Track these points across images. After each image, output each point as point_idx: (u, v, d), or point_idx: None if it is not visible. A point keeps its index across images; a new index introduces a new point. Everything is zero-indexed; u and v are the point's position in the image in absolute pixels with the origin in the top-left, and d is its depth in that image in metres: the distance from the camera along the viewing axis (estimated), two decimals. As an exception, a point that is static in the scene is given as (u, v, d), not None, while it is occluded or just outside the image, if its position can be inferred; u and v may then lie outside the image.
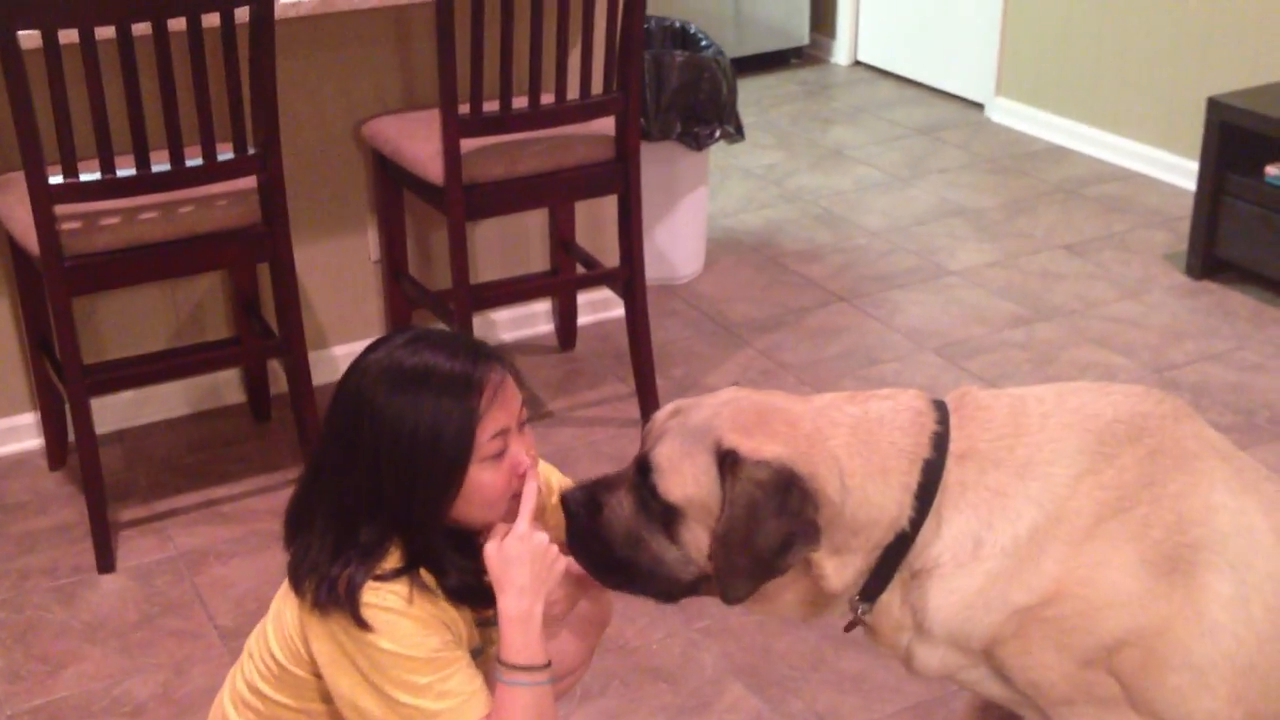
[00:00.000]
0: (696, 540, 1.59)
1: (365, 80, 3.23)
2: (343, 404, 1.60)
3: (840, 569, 1.60)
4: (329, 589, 1.55)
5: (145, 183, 2.59)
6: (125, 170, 2.57)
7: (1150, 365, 3.48)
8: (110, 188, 2.57)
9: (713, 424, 1.59)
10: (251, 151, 2.67)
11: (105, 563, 2.77)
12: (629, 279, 3.18)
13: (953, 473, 1.60)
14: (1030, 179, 4.69)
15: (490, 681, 1.61)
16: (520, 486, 1.62)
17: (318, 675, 1.62)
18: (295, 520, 1.64)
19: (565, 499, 1.67)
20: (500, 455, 1.59)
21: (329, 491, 1.59)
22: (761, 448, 1.56)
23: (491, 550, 1.60)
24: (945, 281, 3.97)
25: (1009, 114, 5.18)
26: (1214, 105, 3.79)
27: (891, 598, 1.63)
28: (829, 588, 1.61)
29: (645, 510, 1.61)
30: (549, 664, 1.60)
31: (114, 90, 2.51)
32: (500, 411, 1.58)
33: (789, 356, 3.57)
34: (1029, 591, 1.57)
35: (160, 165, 2.59)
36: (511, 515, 1.63)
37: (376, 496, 1.57)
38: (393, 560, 1.58)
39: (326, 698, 1.63)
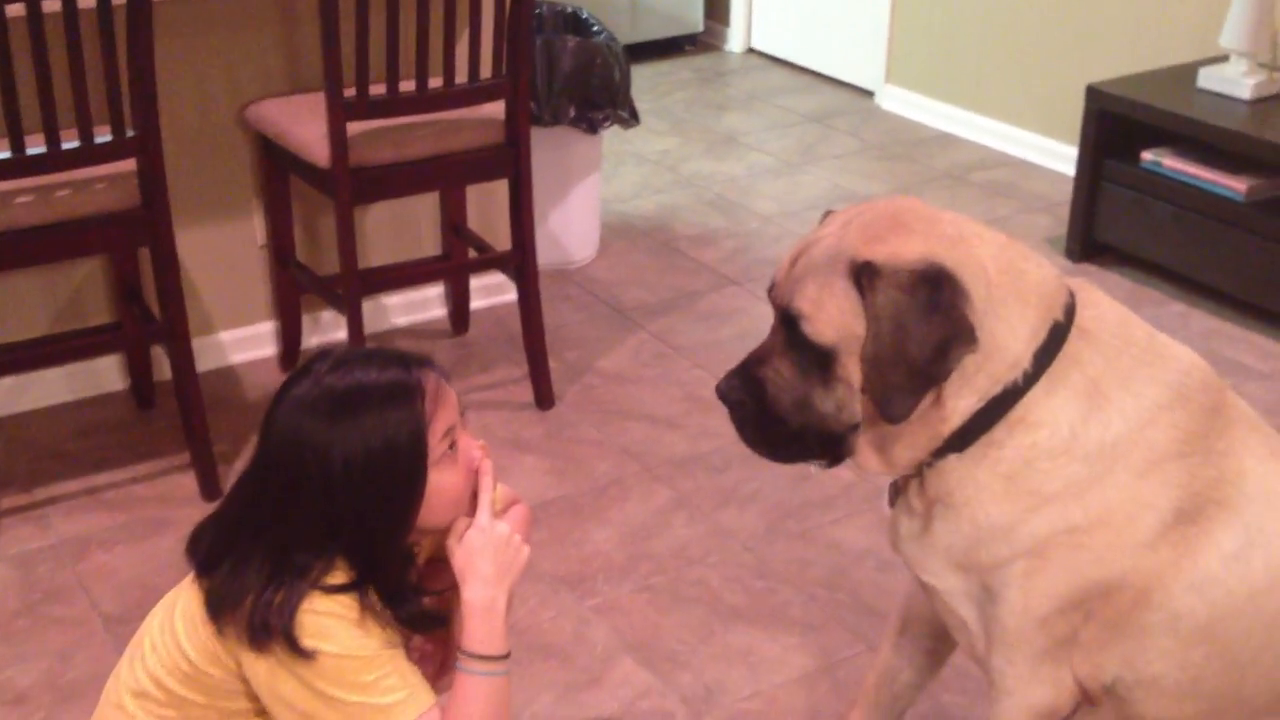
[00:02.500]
0: (850, 375, 1.51)
1: (249, 62, 3.19)
2: (278, 444, 1.56)
3: (957, 400, 1.52)
4: (264, 621, 1.51)
5: (20, 166, 2.54)
6: (-1, 152, 2.52)
7: (1031, 345, 3.57)
8: (-16, 169, 2.52)
9: (841, 247, 1.52)
10: (130, 134, 2.63)
11: (-16, 553, 2.72)
12: (520, 263, 3.19)
13: (1074, 345, 1.54)
14: (918, 165, 4.78)
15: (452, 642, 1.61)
16: (476, 481, 1.62)
17: (238, 678, 1.59)
18: (215, 552, 1.59)
19: (723, 393, 1.60)
20: (452, 452, 1.58)
21: (268, 531, 1.55)
22: (900, 251, 1.48)
23: (452, 544, 1.60)
24: (835, 265, 4.03)
25: (898, 101, 5.26)
26: (1093, 93, 3.89)
27: (961, 464, 1.56)
28: (948, 427, 1.53)
29: (803, 365, 1.53)
30: (509, 654, 1.60)
31: (-14, 69, 2.46)
32: (444, 410, 1.57)
33: (682, 339, 3.60)
34: (1085, 512, 1.55)
35: (36, 148, 2.54)
36: (471, 508, 1.63)
37: (328, 527, 1.54)
38: (338, 577, 1.55)
39: (239, 696, 1.61)
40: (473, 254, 3.46)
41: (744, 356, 1.63)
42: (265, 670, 1.55)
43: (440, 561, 1.79)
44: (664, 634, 2.54)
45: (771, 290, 1.62)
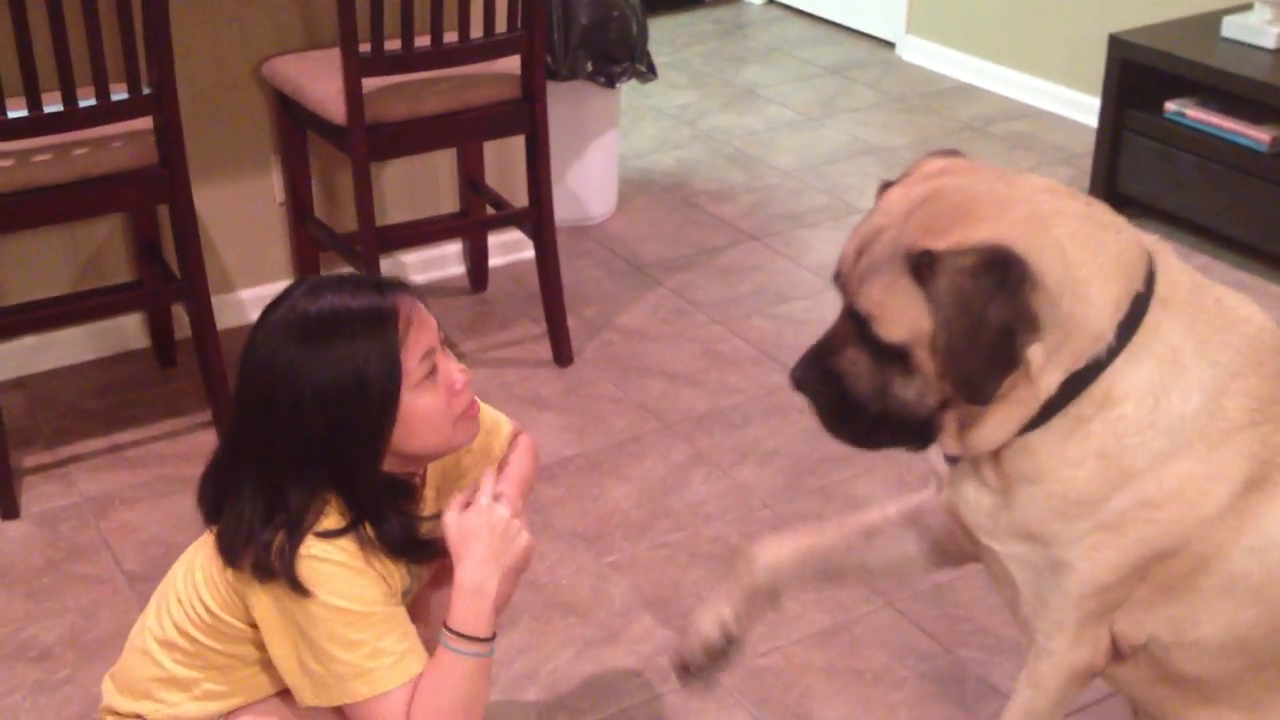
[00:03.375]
0: (928, 366, 1.51)
1: (265, 18, 3.17)
2: (253, 369, 1.57)
3: (1044, 374, 1.50)
4: (264, 559, 1.53)
5: (38, 124, 2.54)
6: (17, 111, 2.52)
7: (1052, 299, 3.55)
8: (1, 129, 2.51)
9: (901, 240, 1.50)
10: (147, 91, 2.62)
11: (9, 509, 2.74)
12: (537, 220, 3.18)
13: (1154, 315, 1.52)
14: (939, 117, 4.74)
15: (438, 616, 1.62)
16: (460, 405, 1.62)
17: (252, 626, 1.62)
18: (217, 493, 1.62)
19: (800, 383, 1.59)
20: (432, 376, 1.59)
21: (252, 460, 1.57)
22: (965, 239, 1.46)
23: (451, 520, 1.60)
24: (855, 220, 3.95)
25: (919, 52, 5.21)
26: (1115, 42, 3.84)
27: (1045, 438, 1.54)
28: (1037, 401, 1.51)
29: (878, 359, 1.52)
30: (494, 636, 1.61)
31: (3, 30, 2.45)
32: (421, 334, 1.58)
33: (700, 295, 3.59)
34: (1161, 486, 1.53)
35: (53, 106, 2.54)
36: (457, 440, 1.63)
37: (305, 455, 1.55)
38: (332, 520, 1.57)
39: (259, 645, 1.64)
40: (490, 211, 3.46)
41: (812, 345, 1.61)
42: (265, 610, 1.57)
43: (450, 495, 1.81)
44: (682, 590, 2.55)
45: (837, 279, 1.60)
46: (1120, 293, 1.50)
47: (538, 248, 3.22)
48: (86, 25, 2.50)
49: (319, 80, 2.97)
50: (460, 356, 3.35)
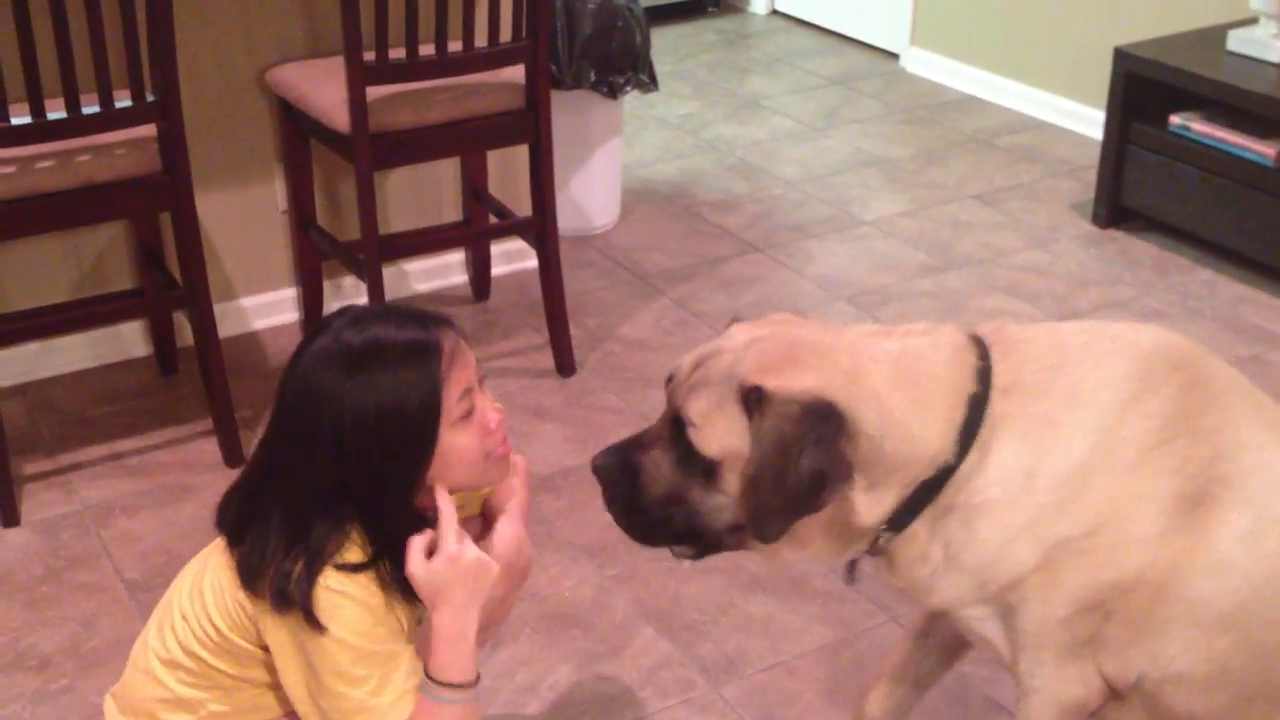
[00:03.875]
0: (735, 489, 1.57)
1: (269, 26, 3.17)
2: (293, 398, 1.56)
3: (873, 505, 1.57)
4: (284, 587, 1.52)
5: (41, 131, 2.54)
6: (20, 118, 2.51)
7: (1055, 313, 3.54)
8: (4, 136, 2.51)
9: (736, 370, 1.56)
10: (150, 99, 2.62)
11: (9, 516, 2.73)
12: (541, 229, 3.17)
13: (997, 405, 1.57)
14: (943, 129, 4.73)
15: (423, 652, 1.61)
16: (493, 444, 1.61)
17: (264, 649, 1.60)
18: (241, 517, 1.60)
19: (598, 468, 1.65)
20: (469, 415, 1.58)
21: (283, 488, 1.56)
22: (790, 384, 1.52)
23: (419, 572, 1.56)
24: (858, 231, 4.00)
25: (923, 64, 5.21)
26: (1120, 55, 3.84)
27: (919, 528, 1.60)
28: (860, 524, 1.59)
29: (684, 466, 1.59)
30: (478, 680, 1.60)
31: (6, 36, 2.45)
32: (461, 371, 1.57)
33: (704, 306, 3.59)
34: (1074, 524, 1.55)
35: (56, 113, 2.53)
36: (487, 478, 1.63)
37: (339, 486, 1.54)
38: (353, 553, 1.55)
39: (269, 668, 1.62)
40: (493, 220, 3.45)
41: (623, 438, 1.68)
42: (278, 637, 1.56)
43: (466, 522, 1.79)
44: (684, 603, 2.54)
45: (668, 383, 1.66)
46: (948, 410, 1.56)
47: (540, 257, 3.21)
48: (90, 32, 2.49)
49: (323, 88, 2.96)
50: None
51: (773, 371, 1.54)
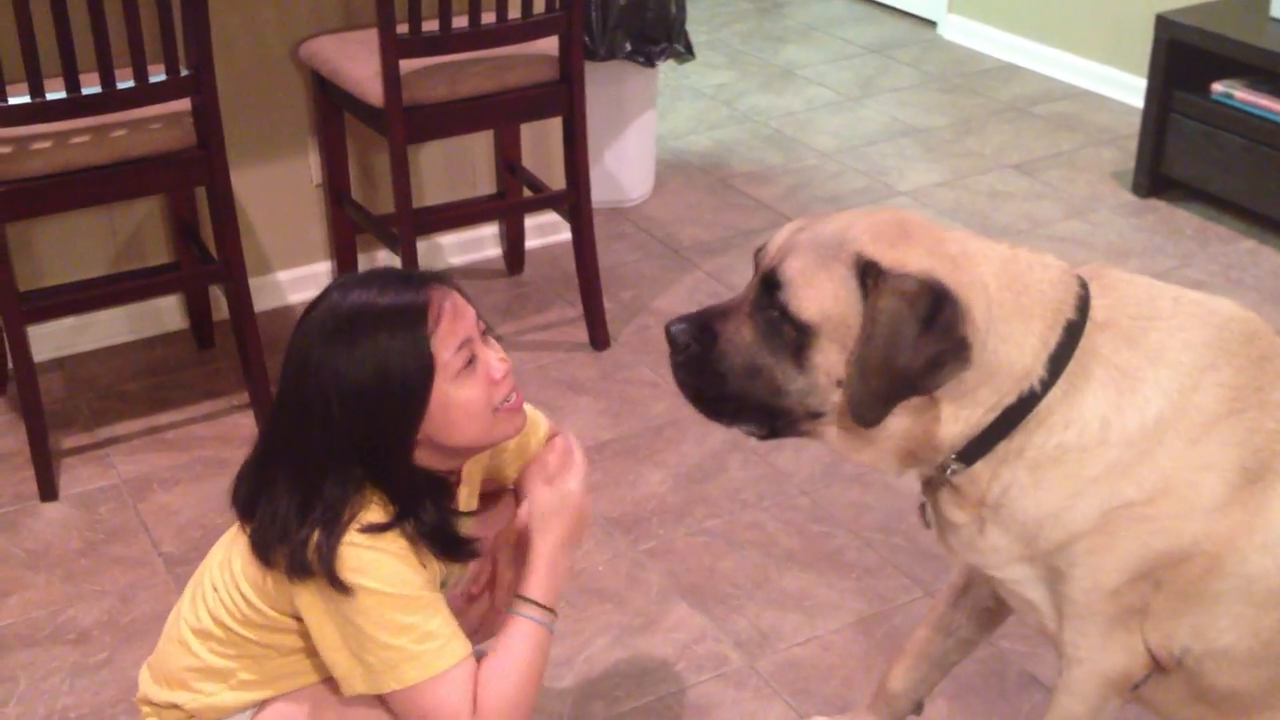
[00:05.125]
0: (828, 363, 1.48)
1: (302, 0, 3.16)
2: (289, 368, 1.58)
3: (958, 417, 1.52)
4: (300, 557, 1.53)
5: (76, 106, 2.54)
6: (55, 93, 2.52)
7: (1095, 284, 3.50)
8: (40, 111, 2.52)
9: (849, 235, 1.48)
10: (185, 73, 2.62)
11: (48, 491, 2.76)
12: (575, 202, 3.16)
13: (1090, 340, 1.52)
14: (981, 97, 4.68)
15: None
16: (500, 394, 1.61)
17: (291, 615, 1.61)
18: (251, 491, 1.61)
19: (672, 331, 1.56)
20: (471, 366, 1.58)
21: (287, 458, 1.57)
22: (907, 261, 1.46)
23: (542, 493, 1.66)
24: (895, 202, 3.97)
25: (961, 31, 5.15)
26: (1162, 22, 3.78)
27: (984, 468, 1.55)
28: (940, 436, 1.52)
29: (771, 334, 1.49)
30: (557, 613, 1.65)
31: (41, 11, 2.45)
32: (456, 324, 1.57)
33: (738, 279, 3.56)
34: (1139, 487, 1.52)
35: (91, 88, 2.54)
36: (500, 431, 1.63)
37: (336, 452, 1.55)
38: (375, 513, 1.56)
39: (295, 634, 1.63)
40: (527, 193, 3.44)
41: (704, 308, 1.59)
42: (309, 603, 1.57)
43: (490, 496, 1.80)
44: (718, 578, 2.53)
45: (759, 251, 1.57)
46: (1045, 328, 1.51)
47: (574, 230, 3.20)
48: (125, 7, 2.49)
49: (356, 62, 2.95)
50: (497, 339, 3.34)
51: (889, 244, 1.47)
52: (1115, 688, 1.65)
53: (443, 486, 1.64)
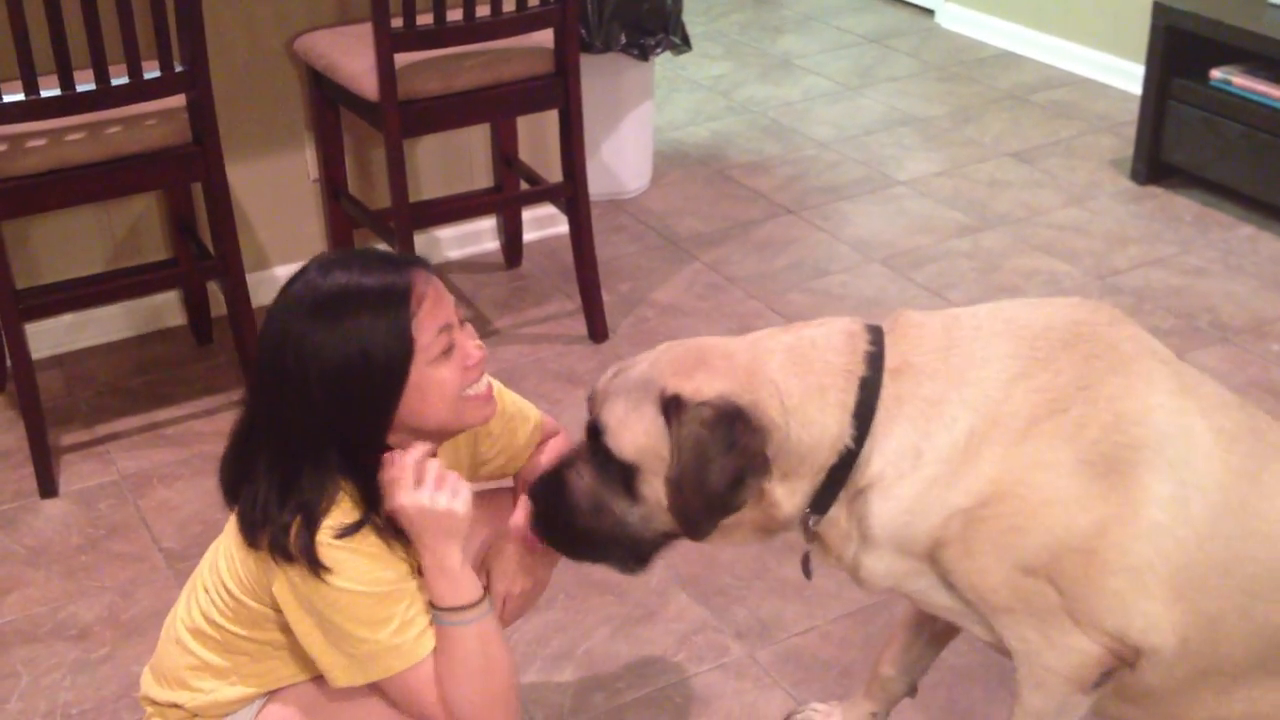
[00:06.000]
0: (655, 493, 1.60)
1: (297, -6, 3.17)
2: (266, 344, 1.58)
3: (790, 494, 1.63)
4: (281, 541, 1.54)
5: (70, 103, 2.54)
6: (50, 91, 2.51)
7: (1094, 271, 3.50)
8: (34, 108, 2.52)
9: (652, 375, 1.61)
10: (179, 69, 2.62)
11: (47, 487, 2.76)
12: (572, 195, 3.15)
13: (888, 388, 1.61)
14: (979, 86, 4.67)
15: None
16: (470, 380, 1.61)
17: (275, 609, 1.62)
18: (235, 473, 1.62)
19: (531, 489, 1.69)
20: (448, 352, 1.58)
21: (266, 437, 1.58)
22: (702, 387, 1.57)
23: (392, 509, 1.58)
24: (893, 192, 3.96)
25: (959, 20, 5.14)
26: (1160, 9, 3.77)
27: (838, 512, 1.65)
28: (781, 514, 1.64)
29: (604, 474, 1.62)
30: (482, 597, 1.62)
31: (35, 8, 2.44)
32: (437, 308, 1.57)
33: (736, 270, 3.56)
34: (967, 494, 1.59)
35: (85, 85, 2.54)
36: (468, 417, 1.63)
37: (314, 430, 1.55)
38: (346, 510, 1.57)
39: (284, 629, 1.64)
40: (524, 186, 3.44)
41: (558, 459, 1.72)
42: (285, 594, 1.58)
43: (485, 496, 1.80)
44: (717, 569, 2.53)
45: (589, 400, 1.69)
46: (842, 394, 1.60)
47: (572, 223, 3.20)
48: (118, 3, 2.49)
49: (351, 56, 2.95)
50: (495, 333, 3.36)
51: (686, 375, 1.59)
52: (1074, 684, 1.66)
53: None
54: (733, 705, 2.24)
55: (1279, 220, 3.65)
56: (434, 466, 1.60)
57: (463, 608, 1.60)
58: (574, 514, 1.66)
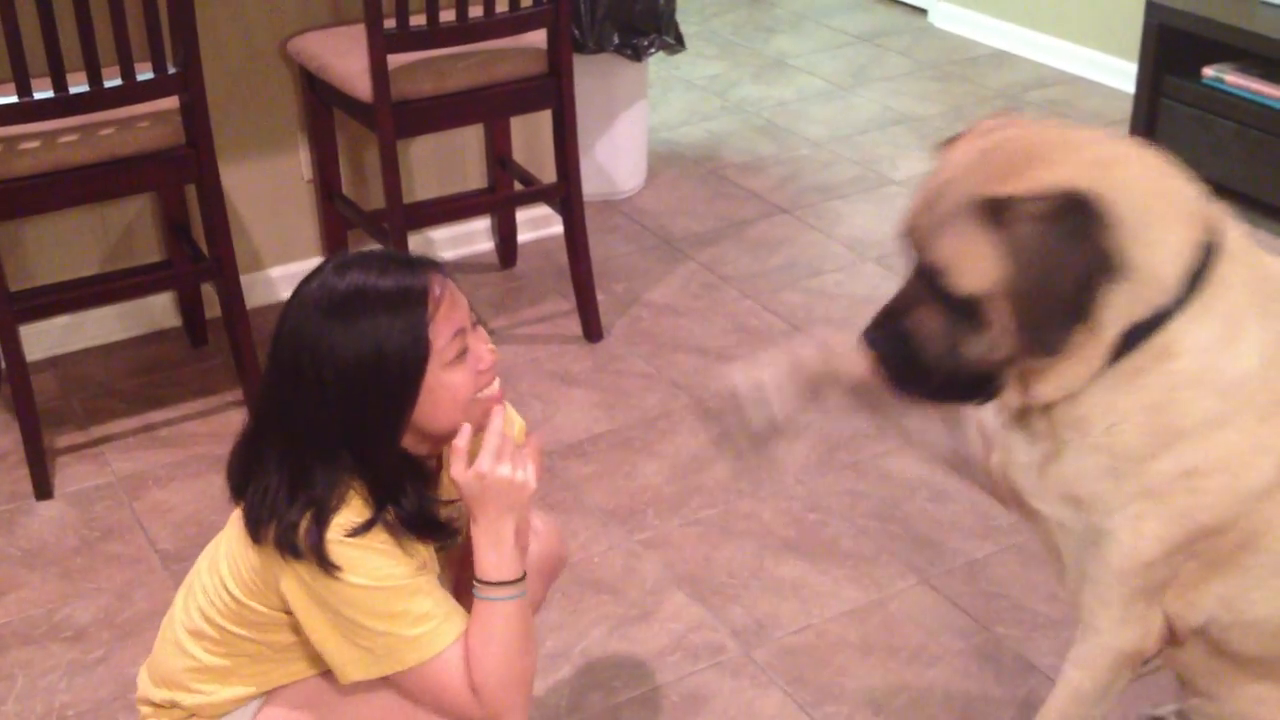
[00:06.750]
0: (1005, 319, 1.45)
1: (290, -5, 3.17)
2: (281, 342, 1.57)
3: (1110, 325, 1.45)
4: (290, 538, 1.53)
5: (63, 105, 2.54)
6: (42, 93, 2.51)
7: (1088, 269, 3.50)
8: (27, 111, 2.51)
9: (971, 189, 1.45)
10: (172, 70, 2.62)
11: (43, 489, 2.76)
12: (566, 195, 3.16)
13: (1224, 268, 1.45)
14: (973, 85, 4.68)
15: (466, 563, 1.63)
16: (483, 383, 1.61)
17: (281, 610, 1.61)
18: (243, 469, 1.62)
19: (870, 342, 1.56)
20: (462, 355, 1.58)
21: (277, 433, 1.57)
22: (1033, 185, 1.41)
23: (458, 478, 1.60)
24: (887, 191, 3.97)
25: (952, 19, 5.15)
26: (1152, 7, 3.78)
27: (1101, 388, 1.49)
28: (1101, 348, 1.46)
29: (950, 314, 1.49)
30: (524, 576, 1.63)
31: (27, 9, 2.44)
32: (453, 312, 1.57)
33: (730, 269, 3.56)
34: (1207, 456, 1.48)
35: (78, 87, 2.53)
36: (480, 417, 1.62)
37: (326, 429, 1.55)
38: (356, 508, 1.56)
39: (283, 629, 1.64)
40: (518, 186, 3.44)
41: (883, 306, 1.58)
42: (296, 592, 1.57)
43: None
44: (715, 567, 2.54)
45: (904, 236, 1.56)
46: (1187, 240, 1.44)
47: (566, 223, 3.20)
48: (111, 5, 2.49)
49: (344, 57, 2.95)
50: (490, 333, 3.34)
51: (1014, 175, 1.42)
52: (1127, 663, 1.63)
53: (422, 471, 1.64)
54: (729, 704, 2.24)
55: (1272, 218, 3.66)
56: (510, 440, 1.61)
57: (509, 582, 1.61)
58: (927, 364, 1.51)
